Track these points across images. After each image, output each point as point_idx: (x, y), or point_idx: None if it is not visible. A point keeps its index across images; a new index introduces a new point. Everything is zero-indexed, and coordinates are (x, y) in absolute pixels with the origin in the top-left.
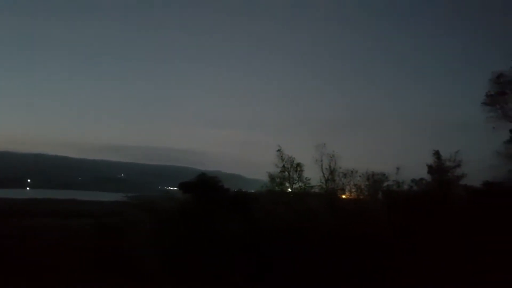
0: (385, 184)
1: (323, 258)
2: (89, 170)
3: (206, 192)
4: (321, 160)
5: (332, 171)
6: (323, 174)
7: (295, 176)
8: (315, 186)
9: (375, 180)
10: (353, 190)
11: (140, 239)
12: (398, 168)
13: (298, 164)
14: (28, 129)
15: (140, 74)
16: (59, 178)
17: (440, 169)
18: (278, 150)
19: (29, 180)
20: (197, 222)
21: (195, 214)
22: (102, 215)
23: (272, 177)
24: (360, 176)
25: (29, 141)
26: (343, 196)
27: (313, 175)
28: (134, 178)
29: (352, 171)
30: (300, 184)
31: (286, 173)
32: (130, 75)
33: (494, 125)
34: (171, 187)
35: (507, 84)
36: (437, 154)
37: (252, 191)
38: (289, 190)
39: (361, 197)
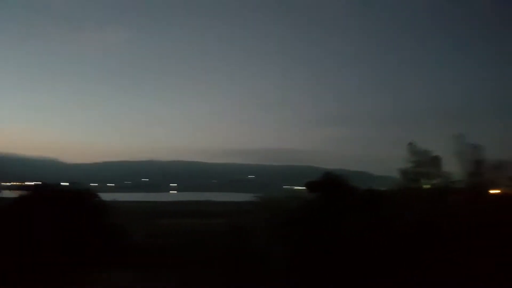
0: None
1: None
2: (221, 173)
3: (334, 191)
4: (462, 152)
5: (478, 163)
6: (465, 167)
7: (433, 170)
8: (457, 180)
9: None
10: (508, 183)
11: (268, 238)
12: None
13: (436, 157)
14: (169, 138)
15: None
16: (196, 181)
17: None
18: (410, 144)
19: (173, 185)
20: (325, 221)
21: (324, 213)
22: (234, 215)
23: (405, 173)
24: None
25: (167, 150)
26: (492, 192)
27: (450, 170)
28: (261, 179)
29: (504, 162)
30: (439, 180)
31: (422, 168)
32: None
33: None
34: (296, 186)
35: None
36: None
37: (382, 189)
38: (427, 186)
39: None
